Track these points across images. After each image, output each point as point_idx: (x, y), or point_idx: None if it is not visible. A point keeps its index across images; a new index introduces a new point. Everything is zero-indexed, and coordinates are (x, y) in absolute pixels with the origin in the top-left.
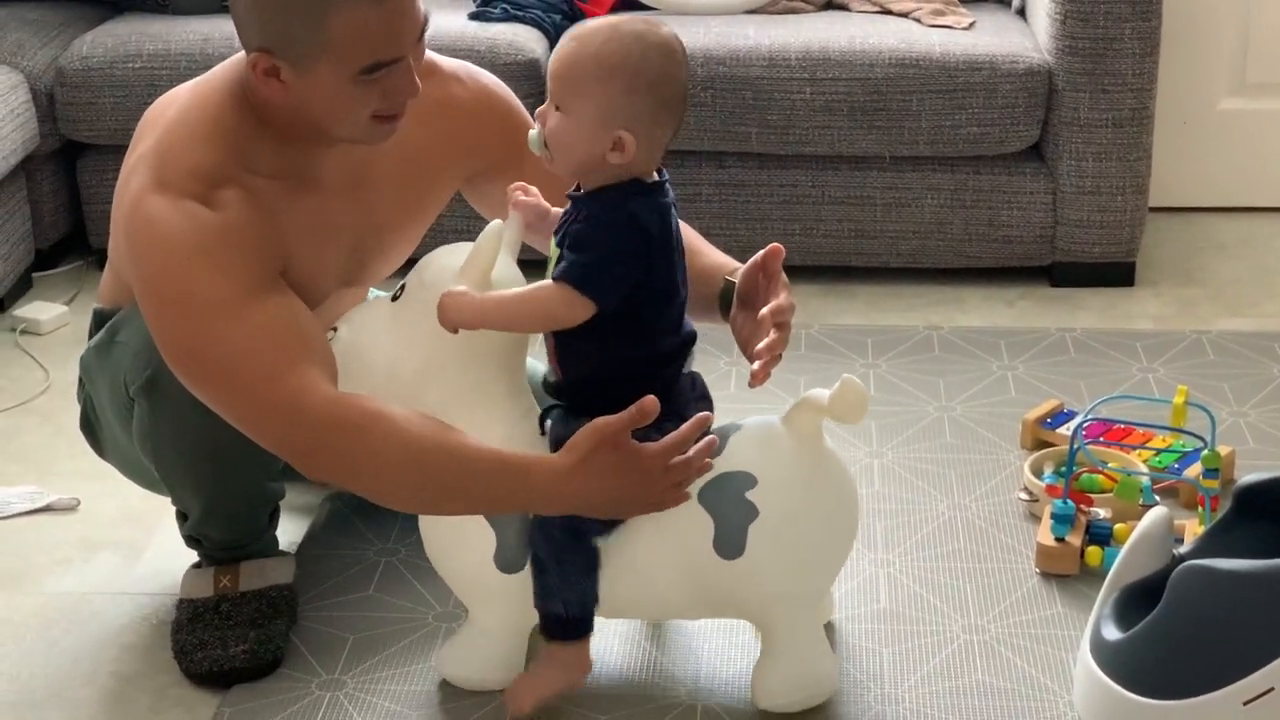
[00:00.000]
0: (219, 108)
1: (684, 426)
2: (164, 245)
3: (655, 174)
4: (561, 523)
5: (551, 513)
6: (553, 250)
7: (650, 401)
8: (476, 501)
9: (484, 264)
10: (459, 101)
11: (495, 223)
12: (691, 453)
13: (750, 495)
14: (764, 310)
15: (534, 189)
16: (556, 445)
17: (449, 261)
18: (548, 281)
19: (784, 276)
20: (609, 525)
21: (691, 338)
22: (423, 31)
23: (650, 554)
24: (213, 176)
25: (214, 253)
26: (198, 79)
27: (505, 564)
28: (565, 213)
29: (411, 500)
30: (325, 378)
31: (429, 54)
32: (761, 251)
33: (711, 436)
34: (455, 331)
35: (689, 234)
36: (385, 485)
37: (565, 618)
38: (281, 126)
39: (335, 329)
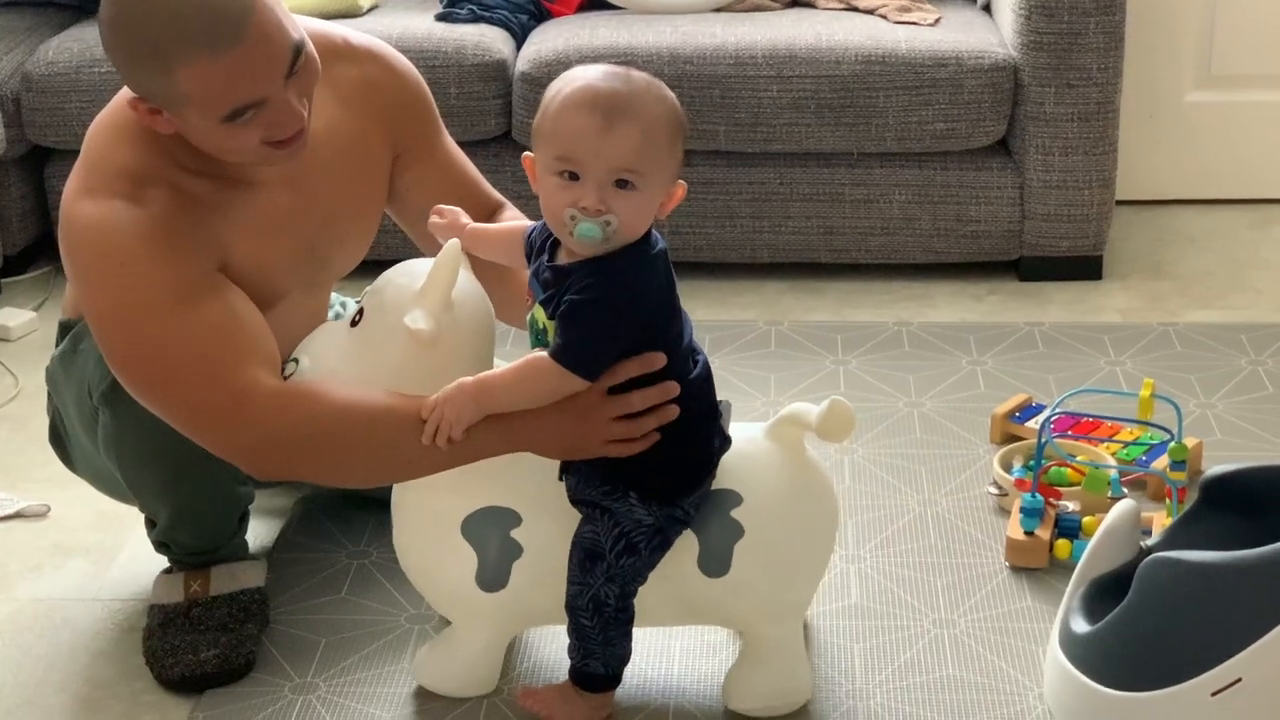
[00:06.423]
0: None
1: (646, 391)
2: (95, 249)
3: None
4: (617, 601)
5: (503, 450)
6: (537, 316)
7: None
8: (433, 457)
9: (445, 285)
10: (376, 80)
11: (453, 242)
12: (639, 417)
13: (735, 514)
14: None
15: (449, 209)
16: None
17: (406, 282)
18: (539, 356)
19: None
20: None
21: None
22: (294, 63)
23: None
24: (140, 176)
25: (144, 255)
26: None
27: (486, 583)
28: (549, 280)
29: (372, 471)
30: (269, 373)
31: (341, 32)
32: None
33: (673, 407)
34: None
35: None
36: (341, 463)
37: (603, 676)
38: None
39: (295, 360)
